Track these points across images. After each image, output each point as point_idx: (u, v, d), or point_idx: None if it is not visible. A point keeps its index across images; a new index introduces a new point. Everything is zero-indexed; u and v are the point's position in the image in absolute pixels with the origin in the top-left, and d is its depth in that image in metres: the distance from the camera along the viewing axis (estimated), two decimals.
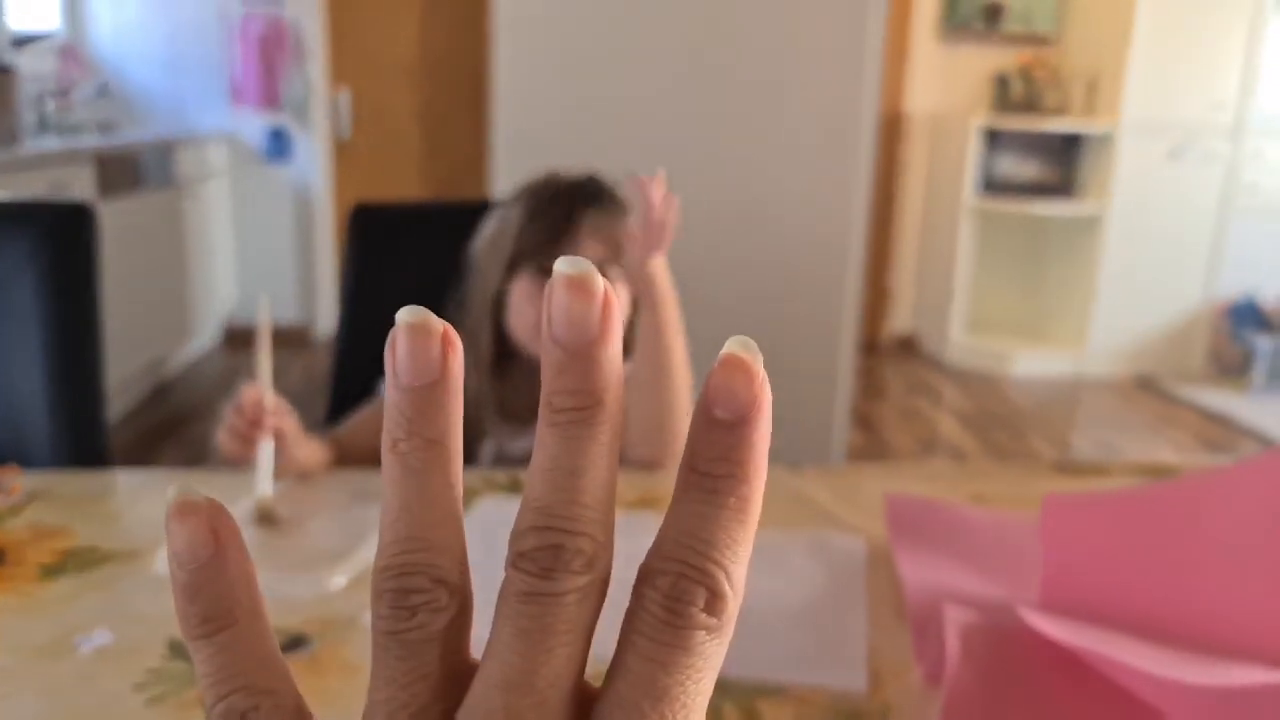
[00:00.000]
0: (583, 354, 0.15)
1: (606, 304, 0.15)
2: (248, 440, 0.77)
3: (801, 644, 0.60)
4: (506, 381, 1.00)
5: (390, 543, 0.16)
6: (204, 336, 3.73)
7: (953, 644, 0.55)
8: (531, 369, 1.02)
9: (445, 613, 0.16)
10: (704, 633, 0.15)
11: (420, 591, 0.16)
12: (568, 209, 0.96)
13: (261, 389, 0.77)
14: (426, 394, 0.16)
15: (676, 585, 0.15)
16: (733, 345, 0.16)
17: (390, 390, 0.16)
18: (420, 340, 0.16)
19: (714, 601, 0.15)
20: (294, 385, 3.27)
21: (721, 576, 0.15)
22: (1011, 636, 0.56)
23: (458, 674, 0.17)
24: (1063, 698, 0.53)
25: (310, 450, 0.83)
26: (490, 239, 1.00)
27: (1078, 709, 0.53)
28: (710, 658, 0.16)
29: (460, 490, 0.17)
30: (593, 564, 0.16)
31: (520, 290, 0.96)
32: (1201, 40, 3.61)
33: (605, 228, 0.95)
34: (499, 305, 0.98)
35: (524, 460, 0.99)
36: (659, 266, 0.86)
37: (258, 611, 0.17)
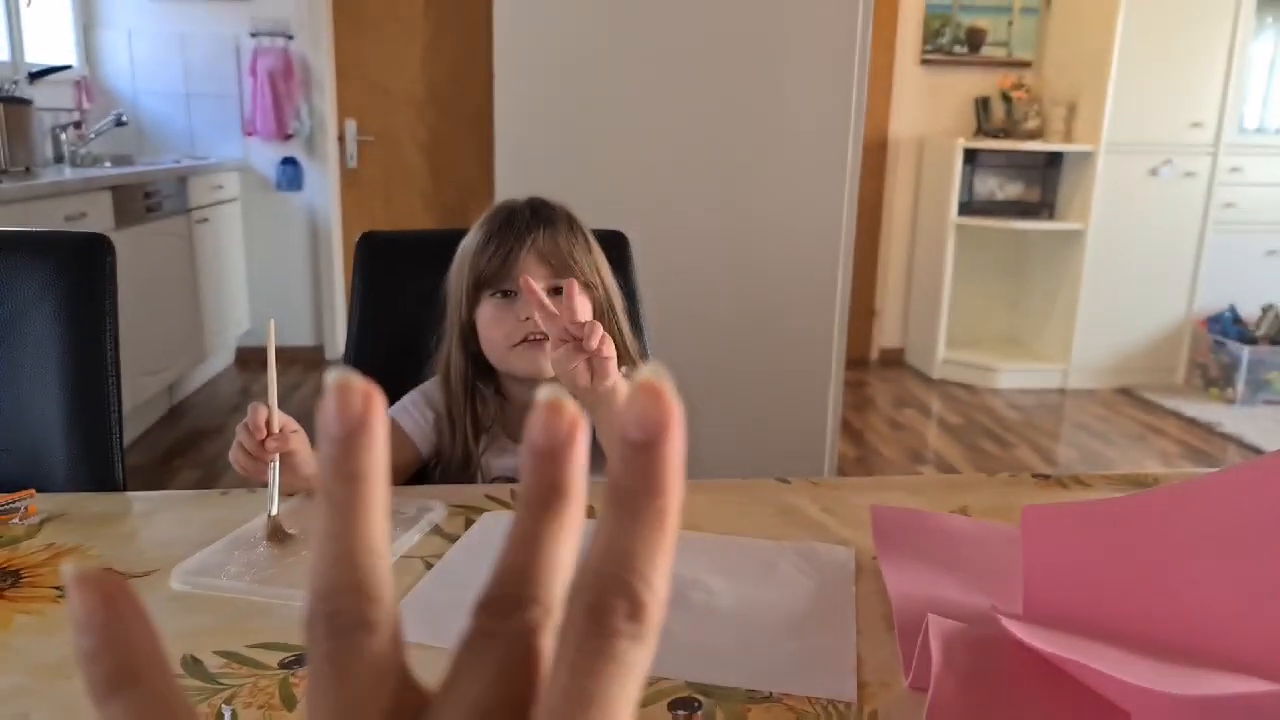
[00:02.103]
0: (556, 455, 0.17)
1: (572, 424, 0.17)
2: (259, 458, 0.79)
3: (791, 653, 0.61)
4: (484, 404, 1.04)
5: (318, 571, 0.17)
6: (218, 359, 3.78)
7: (936, 653, 0.56)
8: (505, 390, 1.05)
9: (375, 635, 0.17)
10: (627, 640, 0.16)
11: (349, 611, 0.17)
12: (515, 233, 1.00)
13: (270, 409, 0.80)
14: (350, 439, 0.17)
15: (599, 598, 0.16)
16: (643, 372, 0.17)
17: (321, 445, 0.18)
18: (344, 397, 0.18)
19: (635, 610, 0.16)
20: (307, 403, 3.31)
21: (641, 585, 0.16)
22: (993, 645, 0.57)
23: (403, 707, 0.17)
24: (1043, 705, 0.54)
25: None
26: (454, 270, 1.05)
27: (1058, 716, 0.54)
28: (635, 664, 0.16)
29: (387, 527, 0.18)
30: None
31: (485, 315, 1.01)
32: (1180, 61, 3.65)
33: (551, 247, 1.00)
34: (468, 332, 1.03)
35: (505, 479, 1.02)
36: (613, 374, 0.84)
37: (161, 671, 0.17)
